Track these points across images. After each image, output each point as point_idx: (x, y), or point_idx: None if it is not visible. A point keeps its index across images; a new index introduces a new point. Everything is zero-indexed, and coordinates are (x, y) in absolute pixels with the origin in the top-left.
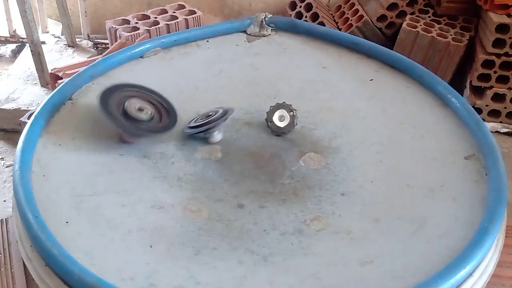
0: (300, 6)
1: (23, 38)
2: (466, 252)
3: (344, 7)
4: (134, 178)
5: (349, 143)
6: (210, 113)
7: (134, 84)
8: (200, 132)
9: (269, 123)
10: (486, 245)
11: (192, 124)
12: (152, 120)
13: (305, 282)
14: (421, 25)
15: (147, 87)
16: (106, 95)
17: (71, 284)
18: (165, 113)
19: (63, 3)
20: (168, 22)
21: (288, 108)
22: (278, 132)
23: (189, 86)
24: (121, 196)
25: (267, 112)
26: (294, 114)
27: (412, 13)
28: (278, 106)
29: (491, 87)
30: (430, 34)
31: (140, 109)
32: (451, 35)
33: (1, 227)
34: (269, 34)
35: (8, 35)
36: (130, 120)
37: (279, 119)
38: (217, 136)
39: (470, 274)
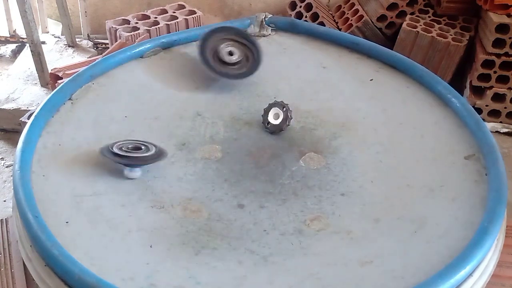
0: (300, 6)
1: (23, 38)
2: (466, 252)
3: (344, 7)
4: (134, 178)
5: (349, 143)
6: (142, 147)
7: (235, 28)
8: (119, 163)
9: (267, 125)
10: (486, 245)
11: (116, 150)
12: (238, 64)
13: (305, 282)
14: (421, 25)
15: (246, 33)
16: (208, 35)
17: (71, 284)
18: (250, 61)
19: (63, 3)
20: (168, 22)
21: (280, 105)
22: (276, 130)
23: (189, 86)
24: (121, 196)
25: (262, 116)
26: (287, 108)
27: (412, 13)
28: (270, 106)
29: (491, 87)
30: (430, 34)
31: (230, 53)
32: (451, 35)
33: (1, 227)
34: (269, 34)
35: (8, 35)
36: (220, 61)
37: (274, 118)
38: (136, 173)
39: (470, 274)
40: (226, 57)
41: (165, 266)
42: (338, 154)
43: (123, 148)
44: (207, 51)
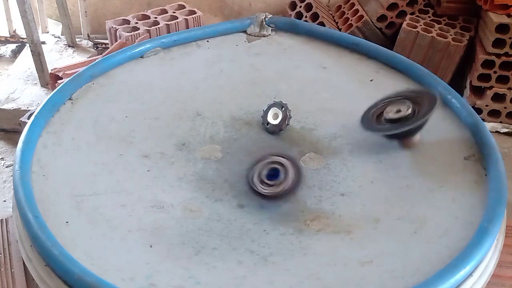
0: (300, 6)
1: (23, 38)
2: (466, 252)
3: (344, 7)
4: (134, 178)
5: (349, 143)
6: (278, 168)
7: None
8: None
9: (266, 126)
10: (486, 245)
11: (256, 183)
12: (414, 115)
13: (305, 282)
14: (421, 25)
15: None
16: (367, 114)
17: (71, 284)
18: (420, 105)
19: (63, 3)
20: (168, 22)
21: (279, 105)
22: (276, 130)
23: (189, 86)
24: (121, 196)
25: (262, 117)
26: (286, 108)
27: (412, 13)
28: (269, 107)
29: (491, 87)
30: (430, 34)
31: (398, 111)
32: (451, 35)
33: (1, 227)
34: (269, 34)
35: (8, 35)
36: (395, 122)
37: (273, 118)
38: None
39: (470, 274)
40: (397, 116)
41: (165, 266)
42: (338, 154)
43: (261, 177)
44: (370, 118)
